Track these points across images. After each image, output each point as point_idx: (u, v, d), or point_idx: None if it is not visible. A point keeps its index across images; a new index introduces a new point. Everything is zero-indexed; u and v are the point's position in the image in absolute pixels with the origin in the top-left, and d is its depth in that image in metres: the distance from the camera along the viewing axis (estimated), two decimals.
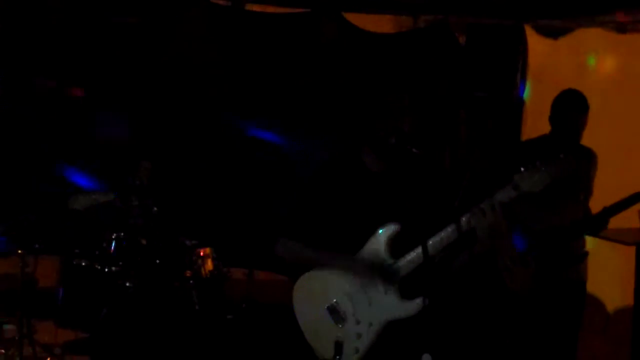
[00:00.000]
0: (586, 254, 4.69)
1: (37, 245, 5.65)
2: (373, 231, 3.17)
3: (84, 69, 7.06)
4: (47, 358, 5.60)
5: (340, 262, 3.18)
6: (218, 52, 7.16)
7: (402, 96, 3.20)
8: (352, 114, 3.28)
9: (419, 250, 3.00)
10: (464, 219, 3.02)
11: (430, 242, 3.06)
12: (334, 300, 3.18)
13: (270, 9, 7.21)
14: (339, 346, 3.09)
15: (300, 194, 3.35)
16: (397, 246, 3.14)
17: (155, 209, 5.88)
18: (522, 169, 3.01)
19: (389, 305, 3.12)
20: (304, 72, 7.10)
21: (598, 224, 4.60)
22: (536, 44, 7.39)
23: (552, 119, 4.60)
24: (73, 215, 4.52)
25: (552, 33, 7.30)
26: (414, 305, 3.06)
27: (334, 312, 3.17)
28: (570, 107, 4.51)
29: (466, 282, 5.39)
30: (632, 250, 4.91)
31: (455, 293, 5.25)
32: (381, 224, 3.16)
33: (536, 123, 7.04)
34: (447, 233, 3.06)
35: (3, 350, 5.53)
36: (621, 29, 6.82)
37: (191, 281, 5.68)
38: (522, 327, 4.64)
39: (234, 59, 7.17)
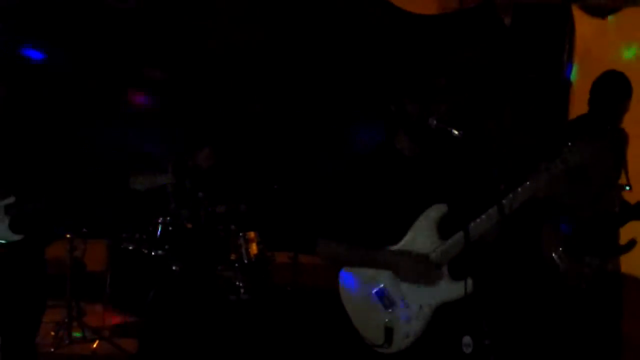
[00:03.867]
0: (633, 242, 4.47)
1: (85, 229, 5.74)
2: (415, 217, 3.13)
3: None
4: (95, 341, 5.68)
5: (383, 259, 3.15)
6: (262, 35, 7.16)
7: (438, 78, 3.12)
8: (388, 98, 3.23)
9: (465, 230, 2.97)
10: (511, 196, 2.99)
11: (476, 222, 3.03)
12: (383, 284, 3.15)
13: None
14: (389, 331, 3.07)
15: (335, 188, 3.30)
16: (445, 227, 3.10)
17: (201, 194, 5.91)
18: (569, 143, 2.98)
19: (439, 287, 3.09)
20: (348, 55, 7.07)
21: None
22: (583, 24, 7.27)
23: (591, 102, 4.43)
24: (134, 195, 4.55)
25: (600, 12, 7.17)
26: (463, 287, 3.02)
27: (383, 297, 3.13)
28: (610, 93, 4.33)
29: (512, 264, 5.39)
30: None
31: (501, 275, 5.25)
32: (423, 208, 3.11)
33: (583, 104, 6.96)
34: (492, 213, 3.02)
35: (53, 333, 5.62)
36: None
37: (236, 264, 5.72)
38: (562, 317, 4.56)
39: (277, 41, 7.16)
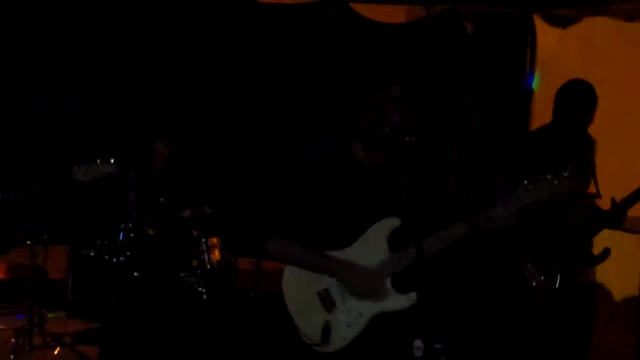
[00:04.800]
0: (607, 253, 4.43)
1: (45, 236, 5.71)
2: (368, 225, 3.15)
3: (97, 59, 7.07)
4: (57, 347, 5.65)
5: (329, 267, 3.16)
6: (228, 43, 7.17)
7: (392, 87, 3.15)
8: (344, 106, 3.25)
9: (418, 245, 2.99)
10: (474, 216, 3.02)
11: (432, 238, 3.06)
12: (326, 286, 3.17)
13: (283, 0, 7.21)
14: (326, 331, 3.10)
15: (290, 189, 3.32)
16: (396, 240, 3.13)
17: (162, 199, 5.92)
18: (525, 181, 2.99)
19: (381, 298, 3.10)
20: (310, 64, 7.10)
21: (615, 218, 4.39)
22: (545, 34, 7.36)
23: (556, 112, 4.37)
24: (77, 186, 4.50)
25: (561, 22, 7.26)
26: (407, 299, 3.06)
27: (325, 299, 3.15)
28: (574, 102, 4.29)
29: (475, 281, 5.43)
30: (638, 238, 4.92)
31: (453, 290, 5.28)
32: (377, 217, 3.14)
33: (545, 113, 7.03)
34: (452, 230, 3.06)
35: (13, 340, 5.58)
36: (630, 17, 6.78)
37: (198, 271, 5.72)
38: (531, 329, 4.55)
39: (242, 50, 7.18)
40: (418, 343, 2.89)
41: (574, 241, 4.37)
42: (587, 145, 4.47)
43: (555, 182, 2.95)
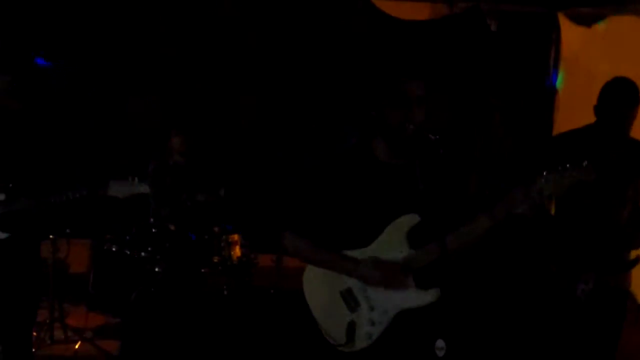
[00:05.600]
0: (636, 260, 4.30)
1: (68, 230, 5.74)
2: (387, 223, 3.13)
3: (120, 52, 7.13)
4: (77, 342, 5.67)
5: (349, 266, 3.15)
6: (250, 37, 7.18)
7: (416, 84, 3.12)
8: (366, 103, 3.23)
9: (439, 241, 2.98)
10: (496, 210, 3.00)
11: (453, 234, 3.04)
12: (349, 286, 3.16)
13: None
14: (351, 330, 3.09)
15: (309, 186, 3.31)
16: (416, 236, 3.12)
17: (185, 195, 5.93)
18: (544, 172, 2.97)
19: (404, 294, 3.09)
20: (333, 60, 7.09)
21: None
22: (569, 32, 7.31)
23: (598, 109, 4.21)
24: (111, 202, 4.59)
25: (585, 21, 7.20)
26: (429, 295, 3.05)
27: (348, 298, 3.14)
28: (619, 98, 4.12)
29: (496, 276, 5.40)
30: None
31: (474, 285, 5.26)
32: (396, 215, 3.12)
33: (569, 112, 6.99)
34: (474, 224, 3.04)
35: (35, 333, 5.61)
36: None
37: (219, 267, 5.72)
38: (561, 331, 4.50)
39: (265, 44, 7.19)
40: (440, 343, 2.87)
41: (603, 245, 4.31)
42: (635, 151, 4.39)
43: (574, 171, 2.93)
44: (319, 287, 3.21)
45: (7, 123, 3.96)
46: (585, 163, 2.93)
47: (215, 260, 5.76)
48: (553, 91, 7.28)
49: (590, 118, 4.34)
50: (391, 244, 3.12)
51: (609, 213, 4.27)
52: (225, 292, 5.65)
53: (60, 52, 7.04)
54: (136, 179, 4.43)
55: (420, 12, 7.49)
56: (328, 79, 7.10)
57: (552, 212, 4.35)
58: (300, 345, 4.96)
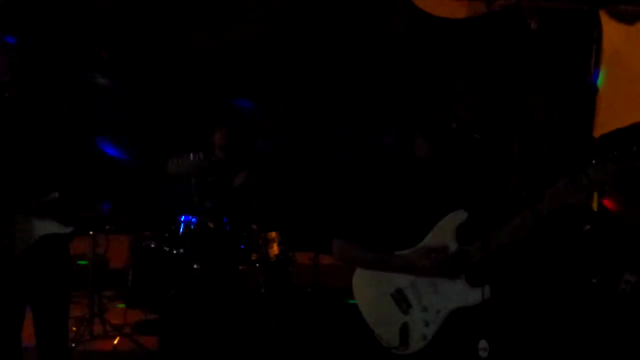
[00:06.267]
0: None
1: (107, 226, 5.79)
2: (434, 222, 3.11)
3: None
4: (116, 337, 5.72)
5: (400, 263, 3.13)
6: (288, 37, 7.19)
7: (456, 82, 3.10)
8: (407, 102, 3.21)
9: (490, 236, 2.95)
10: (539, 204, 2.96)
11: (503, 229, 3.02)
12: (399, 287, 3.14)
13: None
14: (405, 333, 3.07)
15: (353, 191, 3.29)
16: (464, 233, 3.09)
17: (220, 195, 5.95)
18: (593, 161, 2.94)
19: (456, 292, 3.07)
20: (372, 59, 7.08)
21: None
22: (611, 30, 7.20)
23: None
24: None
25: (628, 18, 7.10)
26: (481, 293, 3.02)
27: (400, 300, 3.13)
28: None
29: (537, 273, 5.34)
30: None
31: (521, 282, 5.21)
32: (442, 214, 3.10)
33: (610, 111, 6.90)
34: (519, 220, 3.01)
35: (74, 328, 5.67)
36: None
37: (257, 265, 5.73)
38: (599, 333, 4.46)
39: (305, 40, 7.19)
40: (483, 344, 2.85)
41: None
42: None
43: (624, 157, 2.89)
44: (368, 290, 3.20)
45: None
46: (635, 148, 2.89)
47: (253, 258, 5.77)
48: (594, 90, 7.18)
49: (631, 116, 4.28)
50: (440, 241, 3.10)
51: None
52: (263, 290, 5.66)
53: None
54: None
55: (459, 10, 7.44)
56: (368, 77, 7.09)
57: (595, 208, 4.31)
58: (345, 345, 4.97)
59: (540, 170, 6.57)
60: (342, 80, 7.15)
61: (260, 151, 6.63)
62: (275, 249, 5.90)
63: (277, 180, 6.60)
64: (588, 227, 4.33)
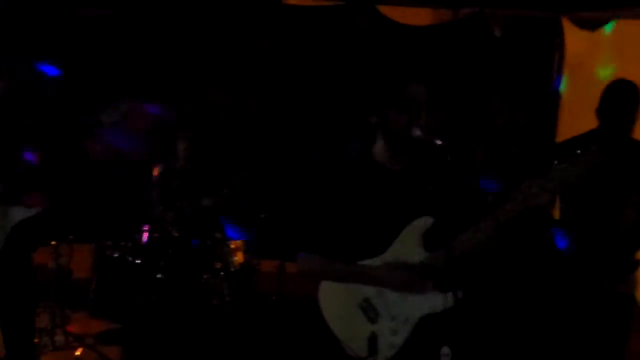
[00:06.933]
0: (638, 263, 4.30)
1: (70, 236, 5.72)
2: (399, 228, 3.10)
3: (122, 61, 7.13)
4: (79, 348, 5.64)
5: (368, 274, 3.11)
6: (254, 45, 7.18)
7: (419, 89, 3.10)
8: (369, 108, 3.20)
9: (453, 243, 2.95)
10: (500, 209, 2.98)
11: (465, 235, 3.02)
12: (366, 297, 3.11)
13: (308, 2, 7.20)
14: (373, 342, 3.05)
15: (316, 202, 3.27)
16: (431, 239, 3.09)
17: (186, 202, 5.92)
18: (556, 162, 2.95)
19: (424, 299, 3.06)
20: (337, 65, 7.09)
21: None
22: (573, 37, 7.29)
23: (600, 111, 4.21)
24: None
25: (589, 25, 7.19)
26: (450, 298, 3.01)
27: (367, 309, 3.09)
28: (620, 99, 4.14)
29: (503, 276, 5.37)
30: None
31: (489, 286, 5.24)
32: (407, 220, 3.09)
33: (572, 116, 6.97)
34: (483, 226, 3.02)
35: (36, 339, 5.58)
36: None
37: (221, 273, 5.70)
38: (566, 338, 4.47)
39: (268, 52, 7.19)
40: (446, 350, 2.84)
41: (610, 249, 4.29)
42: (636, 151, 4.36)
43: (584, 156, 2.91)
44: (335, 300, 3.16)
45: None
46: (594, 147, 2.91)
47: (218, 267, 5.73)
48: (557, 95, 7.26)
49: (594, 122, 4.32)
50: (407, 248, 3.09)
51: (614, 217, 4.25)
52: (228, 299, 5.62)
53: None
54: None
55: (425, 18, 7.49)
56: (333, 84, 7.09)
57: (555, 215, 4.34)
58: (312, 355, 4.95)
59: (504, 174, 6.61)
60: (307, 86, 7.14)
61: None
62: (240, 257, 5.87)
63: (245, 189, 6.58)
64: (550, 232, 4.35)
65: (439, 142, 2.93)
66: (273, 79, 7.16)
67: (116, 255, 5.72)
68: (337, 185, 3.20)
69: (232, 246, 5.84)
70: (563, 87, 7.31)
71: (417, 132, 3.00)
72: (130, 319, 5.38)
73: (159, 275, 5.55)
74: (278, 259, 6.22)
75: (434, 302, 3.05)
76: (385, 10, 7.17)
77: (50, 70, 7.07)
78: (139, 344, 5.34)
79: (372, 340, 3.04)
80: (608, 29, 7.08)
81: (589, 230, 4.24)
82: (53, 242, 5.67)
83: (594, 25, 7.18)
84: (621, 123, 4.20)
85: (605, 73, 6.56)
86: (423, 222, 3.07)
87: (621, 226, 4.24)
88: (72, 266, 6.09)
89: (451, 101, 6.86)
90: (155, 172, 6.14)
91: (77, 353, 5.60)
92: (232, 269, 5.78)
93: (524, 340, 5.01)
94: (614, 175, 4.12)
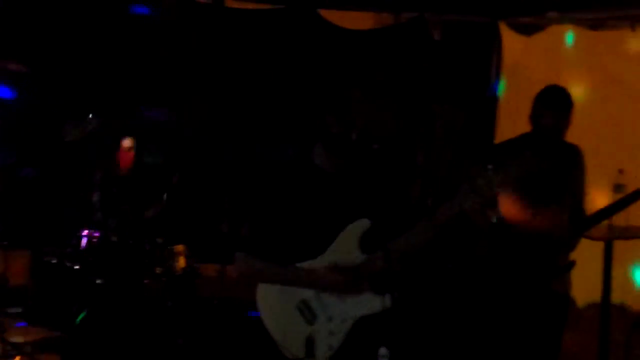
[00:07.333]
0: (572, 263, 4.40)
1: (5, 242, 5.63)
2: (336, 231, 3.12)
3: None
4: (16, 356, 5.54)
5: (305, 277, 3.12)
6: (194, 48, 7.14)
7: (357, 92, 3.12)
8: (307, 112, 3.22)
9: (390, 245, 2.98)
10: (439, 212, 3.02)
11: (402, 238, 3.06)
12: (304, 298, 3.13)
13: (250, 6, 7.19)
14: (310, 344, 3.06)
15: (254, 203, 3.28)
16: (368, 242, 3.11)
17: (127, 206, 5.85)
18: (489, 166, 3.00)
19: (361, 301, 3.08)
20: (278, 69, 7.09)
21: (588, 226, 4.37)
22: (510, 41, 7.42)
23: (533, 117, 4.30)
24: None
25: (526, 30, 7.33)
26: (385, 301, 3.04)
27: (304, 311, 3.10)
28: (552, 105, 4.24)
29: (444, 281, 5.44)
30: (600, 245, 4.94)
31: (425, 289, 5.29)
32: (344, 223, 3.11)
33: (510, 120, 7.09)
34: (420, 228, 3.06)
35: None
36: (593, 26, 6.86)
37: (163, 278, 5.65)
38: (501, 337, 4.54)
39: (208, 55, 7.15)
40: (383, 351, 2.86)
41: (542, 250, 4.37)
42: (569, 156, 4.46)
43: (517, 162, 2.96)
44: (273, 303, 3.16)
45: None
46: (527, 153, 2.97)
47: (158, 272, 5.68)
48: (495, 99, 7.38)
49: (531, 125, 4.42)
50: (344, 251, 3.10)
51: (548, 218, 4.34)
52: (169, 304, 5.58)
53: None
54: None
55: (366, 22, 7.55)
56: (274, 88, 7.09)
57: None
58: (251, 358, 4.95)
59: (443, 178, 6.69)
60: (247, 91, 7.13)
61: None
62: (181, 262, 5.83)
63: (185, 193, 6.54)
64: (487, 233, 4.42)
65: (375, 146, 2.96)
66: (213, 83, 7.12)
67: (54, 261, 5.63)
68: (275, 187, 3.21)
69: (174, 251, 5.79)
70: (501, 90, 7.43)
71: (354, 136, 3.03)
72: (70, 326, 5.29)
73: (98, 281, 5.48)
74: (219, 263, 6.20)
75: (371, 303, 3.07)
76: (326, 14, 7.20)
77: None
78: (79, 351, 5.26)
79: (309, 341, 3.05)
80: (543, 34, 7.24)
81: (523, 231, 4.32)
82: None
83: (530, 30, 7.32)
84: (554, 128, 4.30)
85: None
86: (360, 225, 3.10)
87: (556, 228, 4.34)
88: (8, 273, 6.00)
89: (392, 105, 6.92)
90: (97, 177, 6.05)
91: None
92: (174, 274, 5.73)
93: (461, 341, 5.07)
94: (547, 179, 4.22)
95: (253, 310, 3.38)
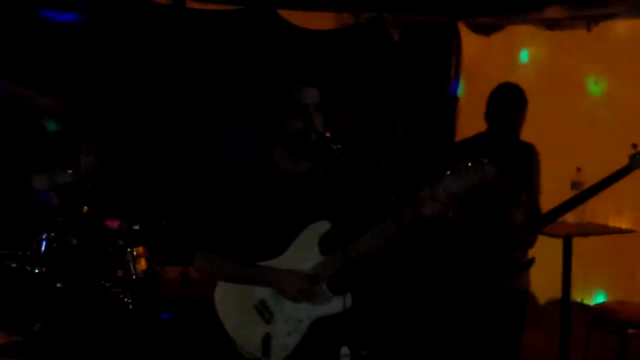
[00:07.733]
0: (531, 261, 4.48)
1: None
2: (297, 232, 3.14)
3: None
4: None
5: (263, 277, 3.14)
6: (158, 50, 7.09)
7: (316, 92, 3.13)
8: (266, 112, 3.23)
9: (349, 246, 3.00)
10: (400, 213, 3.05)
11: (362, 239, 3.08)
12: (261, 298, 3.14)
13: (211, 6, 7.16)
14: (267, 343, 3.07)
15: (214, 200, 3.29)
16: (327, 243, 3.13)
17: (86, 208, 5.79)
18: (448, 172, 3.03)
19: (318, 302, 3.10)
20: (237, 70, 7.07)
21: (544, 223, 4.46)
22: (469, 41, 7.49)
23: (488, 116, 4.40)
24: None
25: (485, 30, 7.40)
26: (343, 302, 3.05)
27: (262, 310, 3.12)
28: (506, 102, 4.33)
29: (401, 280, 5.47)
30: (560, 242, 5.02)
31: (385, 289, 5.33)
32: (305, 224, 3.13)
33: (470, 119, 7.15)
34: (381, 228, 3.08)
35: None
36: (550, 26, 6.95)
37: (124, 281, 5.61)
38: (459, 335, 4.57)
39: (168, 56, 7.11)
40: (345, 350, 2.88)
41: (496, 247, 4.41)
42: (526, 155, 4.50)
43: (475, 168, 3.00)
44: (231, 302, 3.18)
45: None
46: (485, 160, 3.01)
47: (120, 274, 5.64)
48: (454, 98, 7.44)
49: None
50: (304, 251, 3.13)
51: (504, 216, 4.39)
52: (131, 307, 5.54)
53: None
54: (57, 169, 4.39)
55: (328, 22, 7.56)
56: (234, 88, 7.07)
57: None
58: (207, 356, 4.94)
59: (406, 178, 6.73)
60: (208, 91, 7.10)
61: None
62: (143, 264, 5.79)
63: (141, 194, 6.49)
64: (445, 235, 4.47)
65: (335, 146, 2.98)
66: (174, 83, 7.08)
67: (14, 265, 5.57)
68: (235, 186, 3.22)
69: (135, 253, 5.75)
70: (460, 90, 7.50)
71: (313, 137, 3.04)
72: (31, 330, 5.24)
73: (58, 285, 5.43)
74: (181, 265, 6.18)
75: (328, 304, 3.10)
76: (286, 14, 7.20)
77: None
78: (40, 356, 5.21)
79: (266, 341, 3.06)
80: (502, 34, 7.31)
81: (479, 230, 4.37)
82: None
83: (489, 30, 7.40)
84: (509, 126, 4.35)
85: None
86: (320, 226, 3.12)
87: (512, 226, 4.39)
88: None
89: (354, 105, 6.95)
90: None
91: None
92: (135, 277, 5.70)
93: (419, 340, 5.11)
94: (504, 179, 4.27)
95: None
